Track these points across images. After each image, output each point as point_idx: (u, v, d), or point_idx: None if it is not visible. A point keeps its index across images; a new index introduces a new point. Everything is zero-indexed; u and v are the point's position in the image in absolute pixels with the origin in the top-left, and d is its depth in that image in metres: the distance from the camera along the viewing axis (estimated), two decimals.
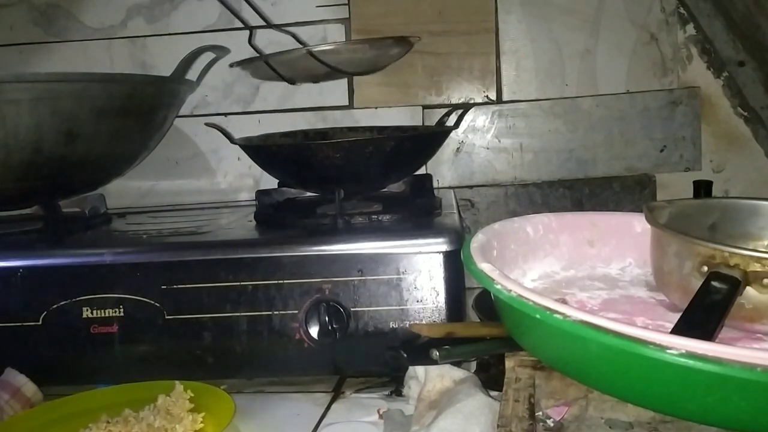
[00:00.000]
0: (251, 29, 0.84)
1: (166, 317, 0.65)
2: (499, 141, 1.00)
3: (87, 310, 0.65)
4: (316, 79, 0.91)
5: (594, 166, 1.00)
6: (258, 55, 0.82)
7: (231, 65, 0.88)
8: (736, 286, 0.46)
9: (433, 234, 0.65)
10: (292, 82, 0.89)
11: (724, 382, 0.35)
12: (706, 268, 0.48)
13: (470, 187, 1.01)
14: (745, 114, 0.98)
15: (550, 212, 0.66)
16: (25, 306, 0.66)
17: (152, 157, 0.93)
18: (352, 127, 0.94)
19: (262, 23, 0.99)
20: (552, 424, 0.44)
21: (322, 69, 0.80)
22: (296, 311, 0.64)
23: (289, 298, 0.64)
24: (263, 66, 0.82)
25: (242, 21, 0.82)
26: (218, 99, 1.02)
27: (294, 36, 0.84)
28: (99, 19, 1.03)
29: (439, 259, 0.64)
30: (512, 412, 0.43)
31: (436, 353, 0.51)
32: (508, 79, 1.00)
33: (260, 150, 0.80)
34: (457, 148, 1.01)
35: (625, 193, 0.99)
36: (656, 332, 0.36)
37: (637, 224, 0.63)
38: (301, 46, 0.81)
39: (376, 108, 1.00)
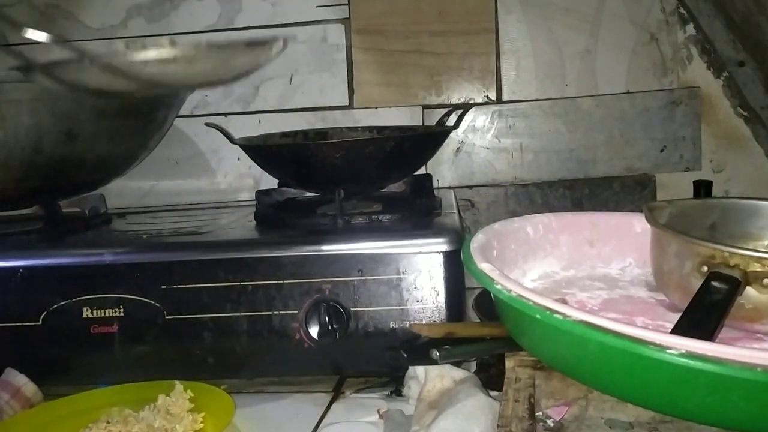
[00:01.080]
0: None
1: (166, 317, 0.64)
2: (499, 141, 1.00)
3: (87, 310, 0.65)
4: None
5: (594, 166, 1.00)
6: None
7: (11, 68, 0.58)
8: (736, 286, 0.46)
9: (433, 234, 0.65)
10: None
11: (724, 382, 0.35)
12: (706, 268, 0.48)
13: (470, 187, 1.01)
14: (745, 114, 0.98)
15: (550, 212, 0.66)
16: (25, 306, 0.65)
17: (152, 157, 0.93)
18: (352, 127, 0.94)
19: (261, 23, 0.99)
20: (552, 424, 0.44)
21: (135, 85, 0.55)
22: (296, 311, 0.64)
23: (289, 298, 0.64)
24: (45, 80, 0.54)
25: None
26: (218, 99, 1.02)
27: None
28: (99, 19, 1.03)
29: (439, 259, 0.64)
30: (512, 412, 0.43)
31: (436, 353, 0.51)
32: (508, 79, 1.00)
33: (260, 150, 0.80)
34: (457, 148, 1.01)
35: (625, 193, 0.99)
36: (656, 332, 0.36)
37: (637, 224, 0.63)
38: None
39: (376, 108, 1.00)
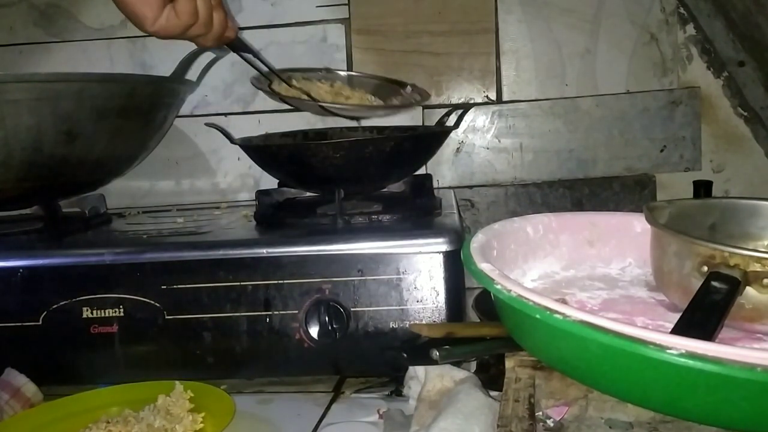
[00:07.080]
0: (276, 74, 0.84)
1: (166, 317, 0.65)
2: (499, 141, 1.00)
3: (87, 310, 0.65)
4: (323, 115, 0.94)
5: (594, 166, 1.00)
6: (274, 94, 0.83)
7: (252, 82, 0.87)
8: (736, 286, 0.46)
9: (433, 234, 0.65)
10: (298, 110, 0.94)
11: (724, 382, 0.35)
12: (706, 268, 0.48)
13: (470, 187, 1.01)
14: (745, 114, 0.98)
15: (550, 212, 0.66)
16: (25, 306, 0.66)
17: (152, 157, 0.93)
18: (352, 127, 0.94)
19: (261, 23, 1.00)
20: (552, 424, 0.44)
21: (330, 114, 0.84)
22: (296, 311, 0.64)
23: (289, 298, 0.64)
24: (277, 98, 0.84)
25: (268, 66, 0.83)
26: (218, 99, 1.02)
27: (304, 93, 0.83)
28: (99, 19, 1.03)
29: (439, 259, 0.64)
30: (512, 412, 0.43)
31: (436, 353, 0.51)
32: (508, 79, 1.00)
33: (260, 150, 0.80)
34: (457, 148, 1.01)
35: (625, 193, 0.99)
36: (656, 332, 0.36)
37: (637, 224, 0.63)
38: (312, 101, 0.81)
39: None
